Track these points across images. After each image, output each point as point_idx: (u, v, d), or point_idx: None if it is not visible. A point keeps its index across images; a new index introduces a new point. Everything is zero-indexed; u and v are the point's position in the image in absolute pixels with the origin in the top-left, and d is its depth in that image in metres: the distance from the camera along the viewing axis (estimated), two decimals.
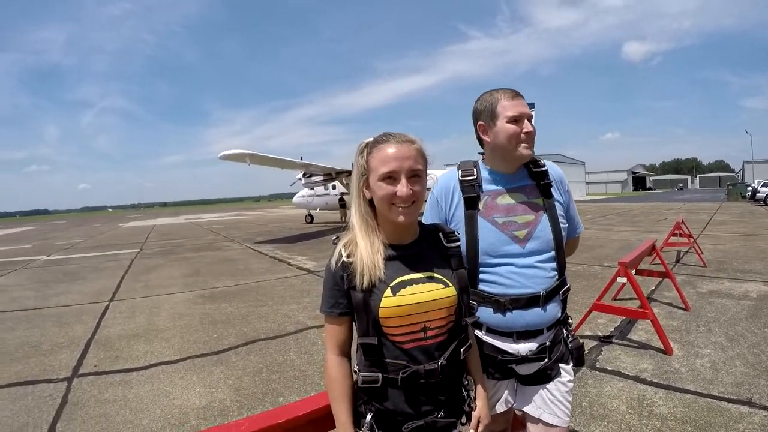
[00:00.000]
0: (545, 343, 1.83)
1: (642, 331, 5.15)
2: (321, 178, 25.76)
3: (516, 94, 1.83)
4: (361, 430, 1.47)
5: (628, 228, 17.38)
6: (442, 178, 1.98)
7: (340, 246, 1.51)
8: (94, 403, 4.05)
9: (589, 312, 5.08)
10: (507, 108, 1.80)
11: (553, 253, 1.84)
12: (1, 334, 6.46)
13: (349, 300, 1.46)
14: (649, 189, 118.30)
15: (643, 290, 6.74)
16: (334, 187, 26.86)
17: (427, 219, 1.95)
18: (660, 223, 18.41)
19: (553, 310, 1.84)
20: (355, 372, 1.52)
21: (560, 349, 1.88)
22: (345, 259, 1.47)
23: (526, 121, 1.79)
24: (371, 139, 1.50)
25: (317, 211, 28.57)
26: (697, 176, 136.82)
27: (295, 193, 29.73)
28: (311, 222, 28.26)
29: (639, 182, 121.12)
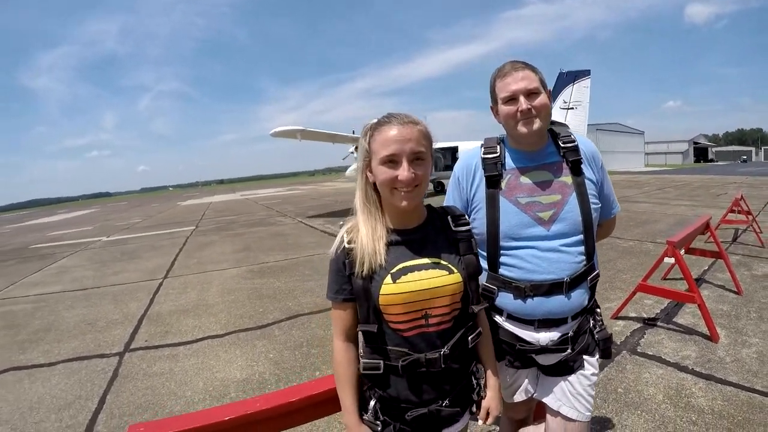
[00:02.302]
0: (568, 333, 1.75)
1: (689, 315, 4.94)
2: None
3: (512, 69, 1.70)
4: (366, 415, 1.50)
5: (686, 202, 16.57)
6: (464, 155, 1.90)
7: (342, 231, 1.51)
8: (142, 376, 4.32)
9: (634, 293, 4.91)
10: (500, 89, 1.72)
11: (581, 236, 1.73)
12: (60, 312, 6.91)
13: (352, 286, 1.46)
14: (711, 161, 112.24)
15: (695, 270, 6.51)
16: None
17: (449, 200, 1.88)
18: (719, 198, 17.47)
19: (579, 298, 1.73)
20: (361, 357, 1.53)
21: (585, 340, 1.79)
22: (347, 245, 1.47)
23: (521, 98, 1.66)
24: (375, 120, 1.46)
25: None
26: (762, 148, 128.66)
27: (348, 167, 29.81)
28: None
29: (701, 153, 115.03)
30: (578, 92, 23.58)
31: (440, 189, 25.33)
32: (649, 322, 4.83)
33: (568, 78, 23.89)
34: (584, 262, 1.74)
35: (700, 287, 5.86)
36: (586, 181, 1.76)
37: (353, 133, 23.86)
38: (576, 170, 1.76)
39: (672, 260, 4.76)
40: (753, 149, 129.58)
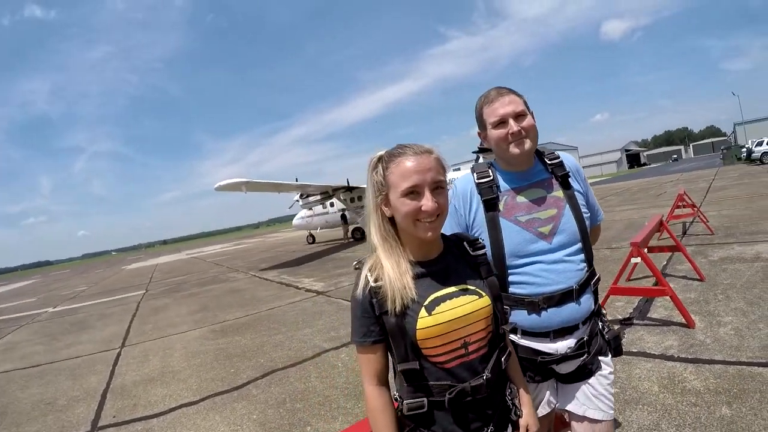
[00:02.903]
0: (583, 338, 1.78)
1: (661, 308, 5.10)
2: (318, 197, 25.70)
3: (497, 95, 1.78)
4: None
5: (630, 206, 17.36)
6: (458, 183, 1.92)
7: (365, 271, 1.42)
8: None
9: (607, 297, 5.06)
10: (489, 114, 1.78)
11: (580, 244, 1.79)
12: (15, 393, 6.34)
13: (382, 326, 1.38)
14: (645, 164, 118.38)
15: (656, 266, 6.72)
16: (332, 205, 26.68)
17: (446, 229, 1.88)
18: (660, 197, 18.40)
19: (587, 302, 1.78)
20: (397, 399, 1.44)
21: (598, 342, 1.83)
22: (373, 284, 1.38)
23: (511, 121, 1.73)
24: (383, 152, 1.42)
25: (318, 231, 28.43)
26: (690, 145, 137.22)
27: (294, 215, 29.67)
28: (313, 242, 28.12)
29: (633, 159, 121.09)
30: None
31: (361, 236, 24.46)
32: (625, 322, 4.92)
33: None
34: (586, 269, 1.80)
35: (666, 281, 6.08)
36: (576, 193, 1.85)
37: (296, 180, 23.77)
38: (565, 184, 1.84)
39: (638, 260, 4.92)
40: (682, 148, 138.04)
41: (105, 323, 11.31)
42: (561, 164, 1.86)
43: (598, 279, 1.86)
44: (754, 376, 3.32)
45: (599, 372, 1.81)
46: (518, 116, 1.74)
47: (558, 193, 1.82)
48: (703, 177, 26.79)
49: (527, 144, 1.75)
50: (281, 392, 4.73)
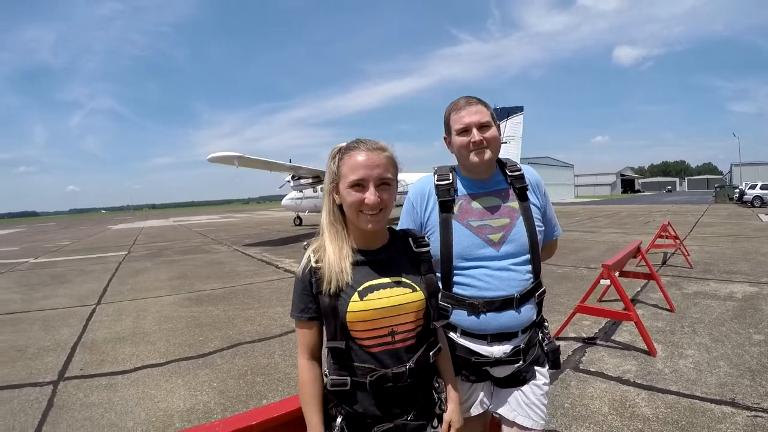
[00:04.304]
0: (519, 346, 1.83)
1: (626, 333, 5.19)
2: (310, 180, 25.63)
3: (466, 104, 1.83)
4: None
5: (616, 230, 17.52)
6: (418, 182, 1.98)
7: (309, 251, 1.52)
8: (79, 407, 4.04)
9: (573, 314, 5.10)
10: (455, 121, 1.83)
11: (528, 256, 1.84)
12: None
13: (317, 305, 1.47)
14: (638, 191, 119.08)
15: (629, 292, 6.83)
16: (323, 190, 26.63)
17: (402, 224, 1.95)
18: (647, 225, 18.56)
19: (528, 312, 1.83)
20: (326, 375, 1.53)
21: (535, 352, 1.88)
22: (313, 264, 1.48)
23: (474, 130, 1.79)
24: (344, 144, 1.51)
25: (306, 214, 28.41)
26: (686, 179, 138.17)
27: (284, 196, 29.61)
28: (300, 224, 28.15)
29: (628, 185, 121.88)
30: (512, 127, 24.69)
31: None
32: (589, 341, 5.02)
33: (501, 113, 24.99)
34: (532, 280, 1.85)
35: (635, 307, 6.15)
36: (531, 206, 1.90)
37: (290, 161, 23.69)
38: (522, 196, 1.89)
39: (608, 282, 5.01)
40: (677, 180, 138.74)
41: (83, 279, 11.35)
42: (521, 177, 1.91)
43: (543, 291, 1.91)
44: (705, 411, 3.37)
45: (533, 381, 1.87)
46: (482, 126, 1.79)
47: (513, 204, 1.87)
48: (693, 212, 27.02)
49: (487, 154, 1.81)
50: (244, 365, 4.84)
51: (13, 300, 9.16)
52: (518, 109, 25.52)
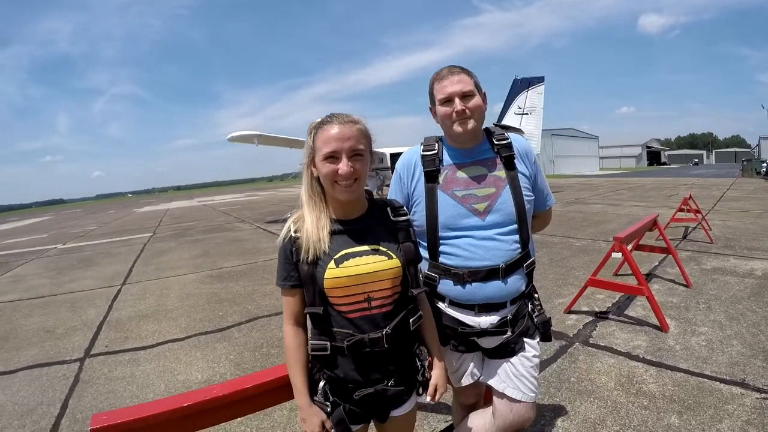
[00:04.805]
0: (507, 317, 1.85)
1: (640, 308, 5.13)
2: None
3: (448, 73, 1.83)
4: (316, 396, 1.57)
5: (639, 203, 17.18)
6: (405, 153, 2.01)
7: (289, 222, 1.60)
8: (103, 381, 4.25)
9: (585, 287, 5.07)
10: (438, 90, 1.84)
11: (515, 225, 1.85)
12: (18, 320, 6.69)
13: (299, 273, 1.54)
14: (664, 164, 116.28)
15: (646, 266, 6.79)
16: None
17: (390, 195, 1.99)
18: (671, 198, 18.18)
19: (516, 283, 1.85)
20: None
21: (525, 323, 1.90)
22: (293, 234, 1.56)
23: (457, 99, 1.79)
24: (319, 119, 1.57)
25: None
26: (713, 151, 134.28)
27: None
28: None
29: (654, 157, 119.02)
30: (532, 98, 24.22)
31: (369, 198, 25.19)
32: (601, 315, 5.00)
33: (522, 84, 24.52)
34: (519, 250, 1.86)
35: (651, 282, 6.12)
36: (519, 175, 1.89)
37: None
38: (509, 165, 1.89)
39: (620, 256, 4.95)
40: (704, 152, 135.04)
41: (110, 262, 11.65)
42: (508, 145, 1.90)
43: (533, 262, 1.92)
44: (713, 391, 3.30)
45: (522, 353, 1.89)
46: (465, 96, 1.79)
47: (500, 173, 1.87)
48: (719, 185, 26.34)
49: (470, 123, 1.82)
50: (260, 337, 5.01)
51: (42, 284, 9.46)
52: (539, 80, 24.97)
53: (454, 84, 1.80)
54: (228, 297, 6.84)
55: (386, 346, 1.54)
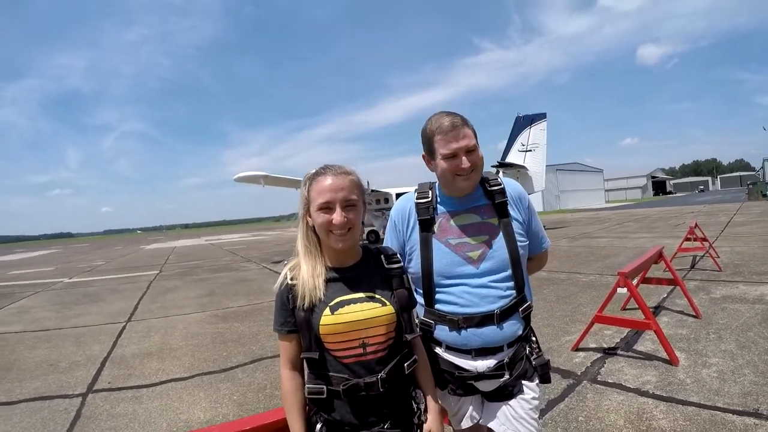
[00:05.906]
0: (504, 360, 1.84)
1: (649, 342, 5.05)
2: None
3: (451, 126, 1.78)
4: None
5: (646, 234, 17.16)
6: (400, 201, 2.02)
7: (285, 269, 1.64)
8: (105, 417, 4.23)
9: (591, 324, 5.00)
10: (441, 145, 1.80)
11: (509, 272, 1.85)
12: (22, 353, 6.69)
13: (295, 318, 1.57)
14: (670, 193, 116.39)
15: (654, 299, 6.72)
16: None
17: (386, 242, 2.01)
18: (678, 228, 18.13)
19: (511, 327, 1.84)
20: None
21: (522, 366, 1.88)
22: (289, 281, 1.59)
23: (463, 157, 1.77)
24: (313, 171, 1.61)
25: None
26: (718, 177, 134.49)
27: None
28: None
29: (659, 186, 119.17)
30: (535, 135, 24.47)
31: (375, 239, 25.04)
32: (609, 352, 4.91)
33: (525, 121, 24.82)
34: (514, 295, 1.86)
35: (659, 314, 6.05)
36: (513, 221, 1.89)
37: None
38: (502, 212, 1.89)
39: (625, 290, 4.89)
40: (709, 179, 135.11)
41: (116, 298, 11.66)
42: (502, 191, 1.90)
43: (529, 306, 1.91)
44: (726, 423, 3.22)
45: (521, 395, 1.87)
46: (469, 151, 1.78)
47: (493, 220, 1.88)
48: (726, 211, 26.27)
49: (474, 177, 1.84)
50: (264, 378, 4.95)
51: (47, 318, 9.50)
52: (541, 116, 25.26)
53: (460, 140, 1.77)
54: (233, 337, 6.80)
55: (381, 390, 1.55)
